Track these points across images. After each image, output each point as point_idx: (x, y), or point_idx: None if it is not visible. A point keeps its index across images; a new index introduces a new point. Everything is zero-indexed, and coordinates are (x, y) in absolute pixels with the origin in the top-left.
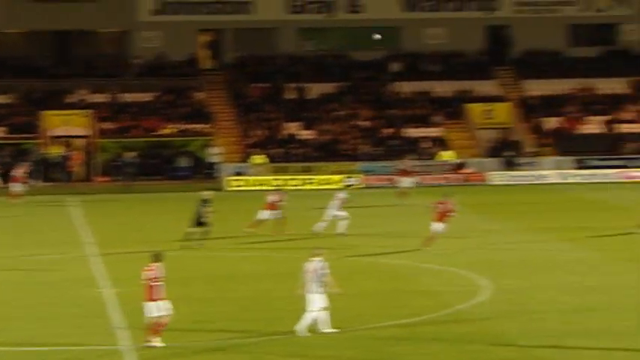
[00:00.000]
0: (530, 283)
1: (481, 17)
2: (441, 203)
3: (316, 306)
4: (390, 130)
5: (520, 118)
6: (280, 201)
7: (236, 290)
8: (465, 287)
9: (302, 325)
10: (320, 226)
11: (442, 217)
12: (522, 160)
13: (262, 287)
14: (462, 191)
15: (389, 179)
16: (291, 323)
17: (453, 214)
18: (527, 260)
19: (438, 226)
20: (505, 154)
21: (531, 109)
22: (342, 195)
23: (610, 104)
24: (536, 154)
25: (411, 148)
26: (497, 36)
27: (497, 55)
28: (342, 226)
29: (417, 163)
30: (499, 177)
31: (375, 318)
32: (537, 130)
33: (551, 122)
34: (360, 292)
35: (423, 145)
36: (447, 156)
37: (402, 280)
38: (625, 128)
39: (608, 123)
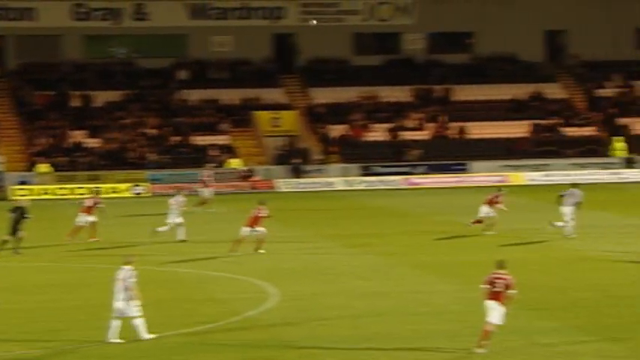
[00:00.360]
0: (318, 289)
1: (267, 25)
2: (256, 209)
3: (125, 314)
4: (178, 139)
5: (306, 126)
6: (96, 205)
7: (22, 301)
8: (254, 294)
9: (142, 332)
10: (162, 229)
11: (254, 221)
12: (309, 167)
13: (49, 297)
14: (250, 199)
15: (177, 187)
16: (77, 334)
17: (264, 217)
18: (315, 267)
19: (246, 230)
20: (292, 161)
21: (317, 117)
22: (180, 199)
23: (394, 112)
24: (323, 162)
25: (199, 156)
26: (284, 44)
27: (283, 63)
28: (181, 233)
29: (213, 173)
30: (286, 184)
31: (162, 327)
32: (323, 138)
33: (337, 130)
34: (149, 301)
35: (211, 153)
36: (235, 164)
37: (190, 288)
38: (408, 135)
39: (392, 130)
